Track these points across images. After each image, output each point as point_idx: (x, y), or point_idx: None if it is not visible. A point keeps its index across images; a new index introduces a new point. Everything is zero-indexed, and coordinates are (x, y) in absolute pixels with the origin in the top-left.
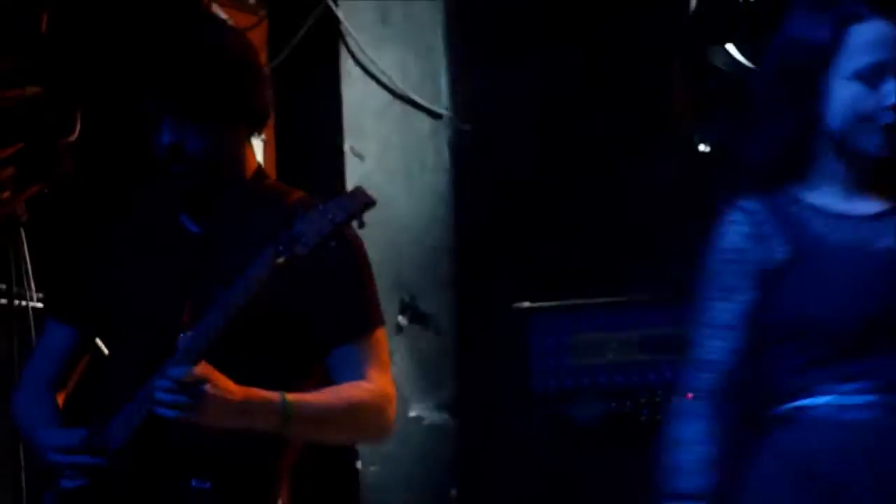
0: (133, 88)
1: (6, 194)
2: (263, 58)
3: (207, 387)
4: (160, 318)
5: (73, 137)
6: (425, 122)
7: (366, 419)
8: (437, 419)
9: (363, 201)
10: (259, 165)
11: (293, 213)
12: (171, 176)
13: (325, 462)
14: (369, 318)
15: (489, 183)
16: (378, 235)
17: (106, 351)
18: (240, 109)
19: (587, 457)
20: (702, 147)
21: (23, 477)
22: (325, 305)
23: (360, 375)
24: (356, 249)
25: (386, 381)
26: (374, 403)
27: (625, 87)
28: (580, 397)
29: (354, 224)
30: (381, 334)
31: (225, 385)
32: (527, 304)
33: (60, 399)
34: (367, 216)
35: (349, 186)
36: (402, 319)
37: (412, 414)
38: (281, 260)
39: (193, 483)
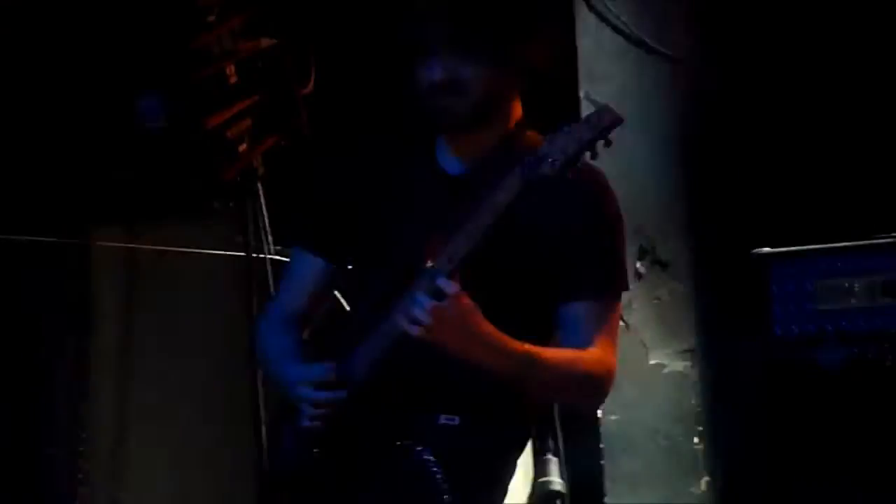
0: (403, 21)
1: (243, 147)
2: None
3: (456, 306)
4: (407, 252)
5: (309, 89)
6: (661, 67)
7: (589, 387)
8: (678, 367)
9: (611, 119)
10: (522, 117)
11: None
12: (436, 111)
13: (566, 410)
14: (615, 281)
15: (724, 127)
16: (615, 182)
17: (346, 306)
18: (514, 54)
19: (831, 403)
20: None
21: (262, 411)
22: (575, 255)
23: (587, 339)
24: (616, 213)
25: (612, 352)
26: (599, 375)
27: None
28: (823, 343)
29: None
30: (619, 303)
31: (475, 312)
32: (766, 249)
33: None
34: (606, 166)
35: None
36: (640, 266)
37: (652, 362)
38: (527, 180)
39: (442, 419)
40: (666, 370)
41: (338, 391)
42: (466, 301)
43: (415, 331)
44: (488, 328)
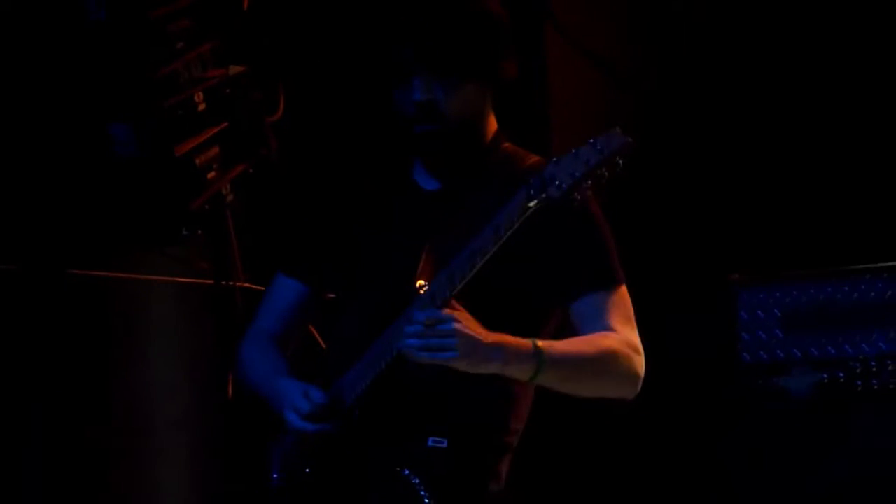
0: (381, 42)
1: (212, 174)
2: None
3: (458, 325)
4: (395, 272)
5: (278, 116)
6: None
7: (617, 367)
8: None
9: (619, 143)
10: (498, 129)
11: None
12: (415, 136)
13: None
14: (617, 272)
15: (690, 151)
16: None
17: (321, 342)
18: (494, 70)
19: (801, 429)
20: None
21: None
22: (575, 252)
23: (605, 325)
24: (602, 214)
25: (633, 332)
26: (624, 353)
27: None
28: (792, 370)
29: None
30: (626, 291)
31: (475, 325)
32: (735, 275)
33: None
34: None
35: None
36: None
37: None
38: (533, 203)
39: (431, 441)
40: None
41: (325, 423)
42: (464, 317)
43: (419, 355)
44: (492, 335)
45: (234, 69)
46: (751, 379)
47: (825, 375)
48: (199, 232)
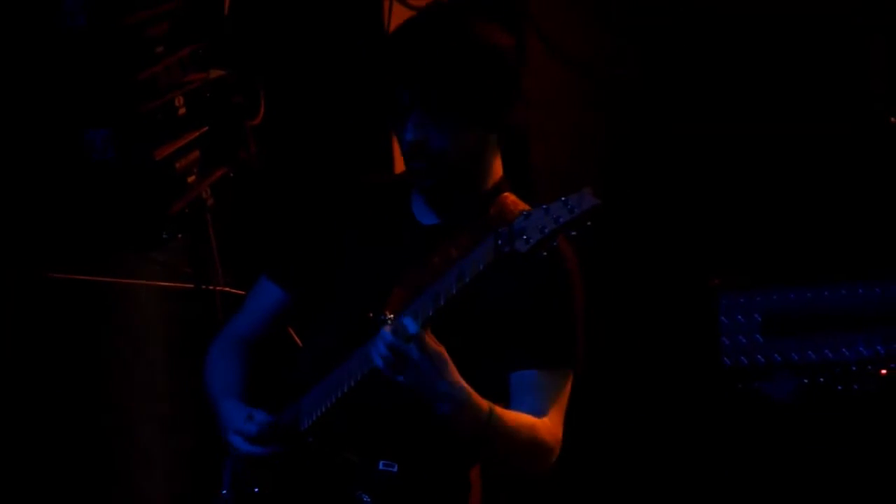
0: (380, 78)
1: (192, 178)
2: None
3: (430, 348)
4: (366, 300)
5: (258, 121)
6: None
7: (539, 457)
8: None
9: (589, 205)
10: (502, 177)
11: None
12: (411, 170)
13: None
14: (569, 353)
15: (671, 158)
16: None
17: (299, 342)
18: (493, 116)
19: (782, 434)
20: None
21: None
22: (534, 320)
23: (541, 408)
24: (577, 283)
25: (560, 423)
26: (550, 446)
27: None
28: (773, 374)
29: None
30: (571, 379)
31: (446, 357)
32: (715, 280)
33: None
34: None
35: None
36: None
37: None
38: (499, 254)
39: (381, 465)
40: None
41: (276, 445)
42: (435, 344)
43: (388, 372)
44: (456, 377)
45: (215, 73)
46: (731, 383)
47: (806, 380)
48: (179, 236)
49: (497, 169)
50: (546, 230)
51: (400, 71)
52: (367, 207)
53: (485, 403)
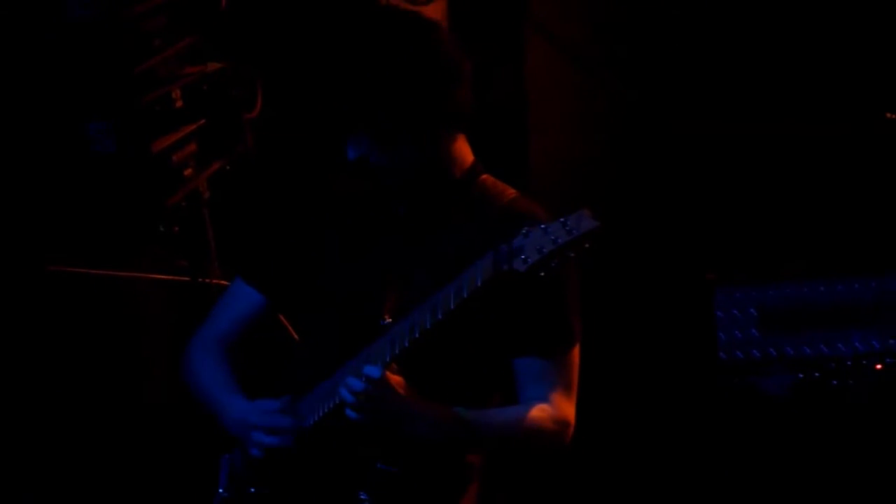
0: (324, 94)
1: (188, 171)
2: None
3: (389, 397)
4: (361, 297)
5: (255, 114)
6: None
7: (540, 445)
8: None
9: (588, 227)
10: (473, 162)
11: (514, 224)
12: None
13: None
14: (566, 335)
15: (670, 153)
16: None
17: (295, 335)
18: (432, 115)
19: (777, 428)
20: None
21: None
22: (523, 313)
23: (543, 394)
24: (566, 272)
25: (569, 403)
26: (550, 431)
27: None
28: (769, 368)
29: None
30: (576, 353)
31: (403, 399)
32: (712, 275)
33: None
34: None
35: None
36: None
37: None
38: (498, 272)
39: (379, 465)
40: None
41: (286, 437)
42: (396, 382)
43: (351, 415)
44: (419, 406)
45: (212, 66)
46: (727, 378)
47: (801, 374)
48: (175, 229)
49: (464, 155)
50: (545, 251)
51: (335, 89)
52: (343, 203)
53: (455, 416)
